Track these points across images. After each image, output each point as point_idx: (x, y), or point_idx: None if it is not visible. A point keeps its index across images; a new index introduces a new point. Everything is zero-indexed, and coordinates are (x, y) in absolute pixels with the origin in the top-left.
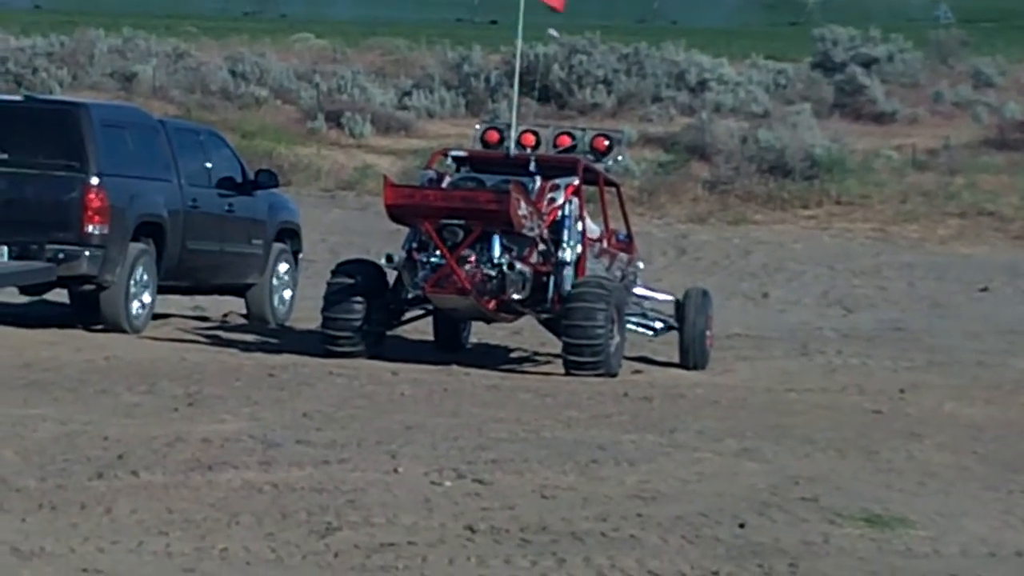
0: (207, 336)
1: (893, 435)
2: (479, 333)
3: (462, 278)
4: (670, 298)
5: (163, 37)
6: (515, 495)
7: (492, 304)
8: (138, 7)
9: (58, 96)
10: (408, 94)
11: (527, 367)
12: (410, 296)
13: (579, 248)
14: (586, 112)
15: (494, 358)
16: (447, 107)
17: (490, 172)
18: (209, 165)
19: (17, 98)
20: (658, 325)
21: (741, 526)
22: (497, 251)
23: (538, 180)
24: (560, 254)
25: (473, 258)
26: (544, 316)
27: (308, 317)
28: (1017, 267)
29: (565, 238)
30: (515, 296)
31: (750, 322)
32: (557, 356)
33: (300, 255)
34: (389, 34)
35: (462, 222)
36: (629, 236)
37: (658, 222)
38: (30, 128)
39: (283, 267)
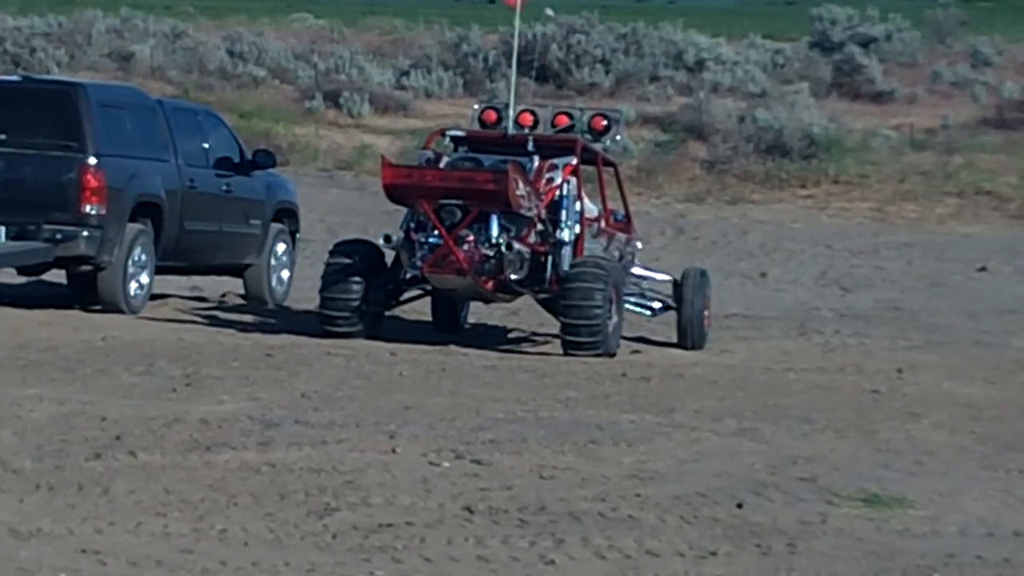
0: (205, 317)
1: (891, 415)
2: (477, 313)
3: (460, 258)
4: (668, 278)
5: (161, 17)
6: (513, 475)
7: (490, 284)
8: None
9: (56, 76)
10: (406, 74)
11: (525, 347)
12: (408, 276)
13: (577, 228)
14: (584, 92)
15: (492, 338)
16: (445, 87)
17: (488, 152)
18: (207, 145)
19: (15, 78)
20: (656, 305)
21: (739, 506)
22: (495, 231)
23: (536, 160)
24: (558, 234)
25: (471, 238)
26: (542, 296)
27: (306, 297)
28: (1015, 246)
29: (563, 218)
30: (513, 276)
31: (748, 302)
32: (555, 336)
33: (298, 235)
34: (387, 14)
35: (460, 202)
36: (627, 216)
37: (656, 202)
38: (28, 108)
39: (281, 247)
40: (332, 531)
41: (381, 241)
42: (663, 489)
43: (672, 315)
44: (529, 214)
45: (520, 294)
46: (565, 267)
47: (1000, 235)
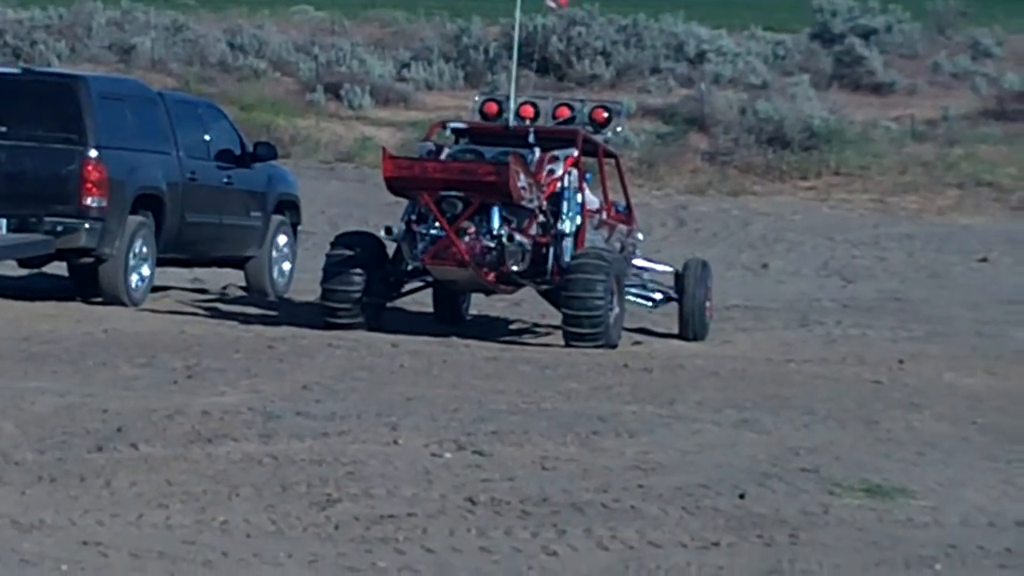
0: (206, 308)
1: (893, 405)
2: (479, 305)
3: (461, 250)
4: (669, 269)
5: (161, 9)
6: (515, 466)
7: (491, 276)
8: None
9: (56, 69)
10: (407, 66)
11: (527, 339)
12: (409, 268)
13: (578, 220)
14: (585, 84)
15: (494, 330)
16: (446, 79)
17: (489, 144)
18: (208, 137)
19: (15, 71)
20: (657, 296)
21: (741, 497)
22: (496, 223)
23: (537, 152)
24: (559, 226)
25: (472, 230)
26: (544, 288)
27: (307, 289)
28: (1016, 237)
29: (564, 210)
30: (514, 268)
31: (749, 293)
32: (557, 328)
33: (299, 227)
34: (388, 6)
35: (461, 194)
36: (628, 207)
37: (657, 193)
38: (29, 101)
39: (282, 239)
40: (334, 522)
41: (382, 233)
42: (665, 480)
43: (674, 306)
44: (530, 206)
45: (522, 285)
46: (566, 258)
47: (1001, 226)
